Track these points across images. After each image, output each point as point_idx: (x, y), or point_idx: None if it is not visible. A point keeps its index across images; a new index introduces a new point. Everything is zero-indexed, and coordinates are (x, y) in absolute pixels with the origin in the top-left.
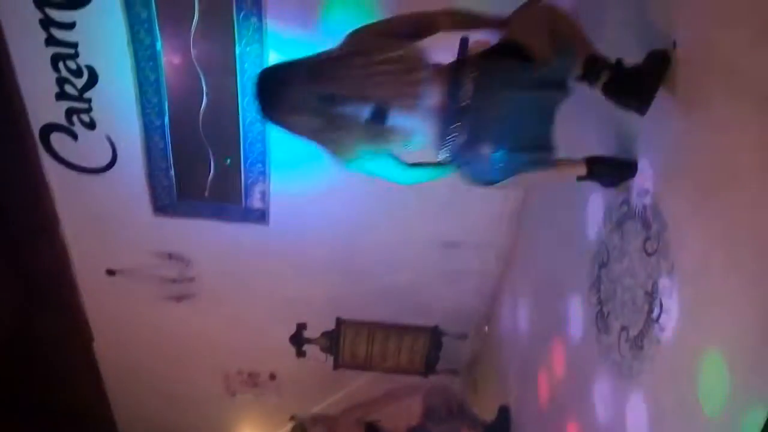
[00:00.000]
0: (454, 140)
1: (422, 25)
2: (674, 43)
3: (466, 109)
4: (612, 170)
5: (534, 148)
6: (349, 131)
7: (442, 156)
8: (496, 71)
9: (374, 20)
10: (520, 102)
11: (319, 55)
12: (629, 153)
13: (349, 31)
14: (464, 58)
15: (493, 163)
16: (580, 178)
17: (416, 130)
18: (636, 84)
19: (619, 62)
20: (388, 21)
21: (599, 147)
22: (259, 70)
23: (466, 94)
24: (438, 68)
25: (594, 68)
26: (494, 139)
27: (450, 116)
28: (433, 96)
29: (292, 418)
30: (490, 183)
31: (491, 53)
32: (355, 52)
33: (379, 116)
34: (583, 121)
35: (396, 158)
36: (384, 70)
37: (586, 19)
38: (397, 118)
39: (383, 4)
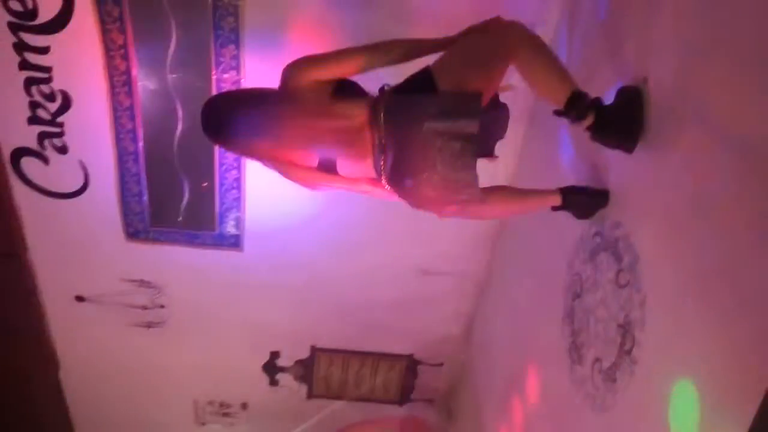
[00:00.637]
0: (385, 174)
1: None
2: (645, 80)
3: (383, 146)
4: (586, 200)
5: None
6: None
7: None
8: (401, 106)
9: (308, 57)
10: (432, 139)
11: (261, 99)
12: (601, 183)
13: (289, 67)
14: (380, 95)
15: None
16: (554, 209)
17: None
18: (619, 123)
19: (598, 100)
20: (323, 59)
21: (570, 178)
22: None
23: (380, 133)
24: (368, 102)
25: (578, 106)
26: (415, 174)
27: (377, 153)
28: (364, 136)
29: None
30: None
31: (407, 84)
32: (293, 107)
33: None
34: (553, 152)
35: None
36: (321, 131)
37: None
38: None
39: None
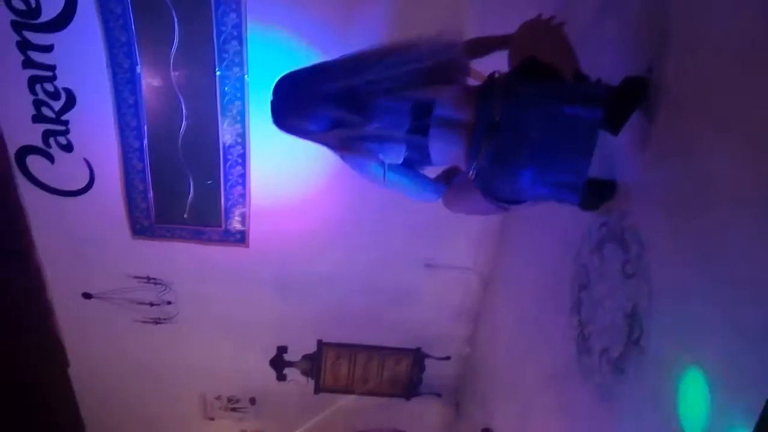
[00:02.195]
0: (482, 158)
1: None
2: (650, 70)
3: (494, 126)
4: (592, 191)
5: (563, 176)
6: (381, 138)
7: (471, 173)
8: (524, 89)
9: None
10: (551, 124)
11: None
12: (608, 175)
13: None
14: (493, 78)
15: (517, 185)
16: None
17: (446, 144)
18: (612, 106)
19: (599, 82)
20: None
21: None
22: (278, 78)
23: (495, 111)
24: (467, 89)
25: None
26: (521, 160)
27: (478, 133)
28: (464, 112)
29: None
30: (510, 203)
31: (517, 72)
32: (390, 50)
33: (420, 120)
34: None
35: (421, 174)
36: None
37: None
38: (433, 131)
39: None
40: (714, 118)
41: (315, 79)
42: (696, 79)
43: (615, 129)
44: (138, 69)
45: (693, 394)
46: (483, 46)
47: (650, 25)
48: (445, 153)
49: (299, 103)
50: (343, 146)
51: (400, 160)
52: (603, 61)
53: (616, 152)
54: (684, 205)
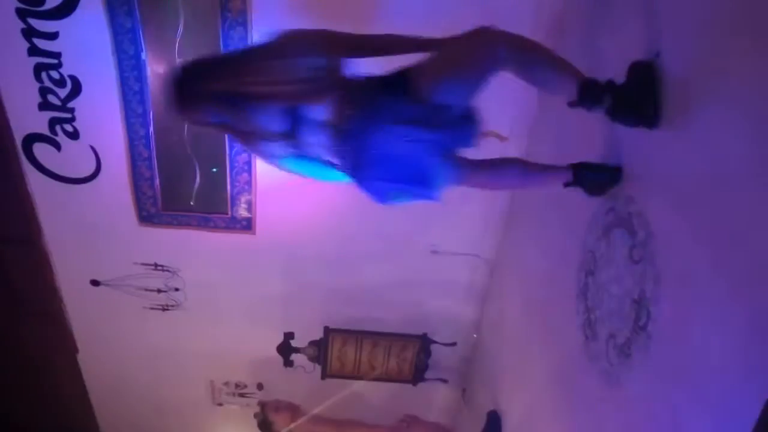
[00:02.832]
0: (343, 158)
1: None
2: (657, 53)
3: (346, 132)
4: (597, 176)
5: (416, 185)
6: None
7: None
8: (374, 100)
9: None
10: (399, 136)
11: (243, 51)
12: (614, 160)
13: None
14: (357, 82)
15: (378, 187)
16: (566, 185)
17: (316, 142)
18: (637, 101)
19: (611, 83)
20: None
21: (583, 154)
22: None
23: (345, 119)
24: (345, 83)
25: (591, 93)
26: (374, 166)
27: (336, 135)
28: (327, 112)
29: (256, 415)
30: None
31: (383, 80)
32: (277, 53)
33: (291, 124)
34: (565, 129)
35: (317, 159)
36: (296, 78)
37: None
38: (303, 130)
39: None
40: (723, 99)
41: (202, 74)
42: (704, 59)
43: (649, 121)
44: (143, 56)
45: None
46: (399, 46)
47: (653, 7)
48: (318, 151)
49: (187, 97)
50: (239, 139)
51: (283, 158)
52: (608, 51)
53: (622, 136)
54: (693, 189)
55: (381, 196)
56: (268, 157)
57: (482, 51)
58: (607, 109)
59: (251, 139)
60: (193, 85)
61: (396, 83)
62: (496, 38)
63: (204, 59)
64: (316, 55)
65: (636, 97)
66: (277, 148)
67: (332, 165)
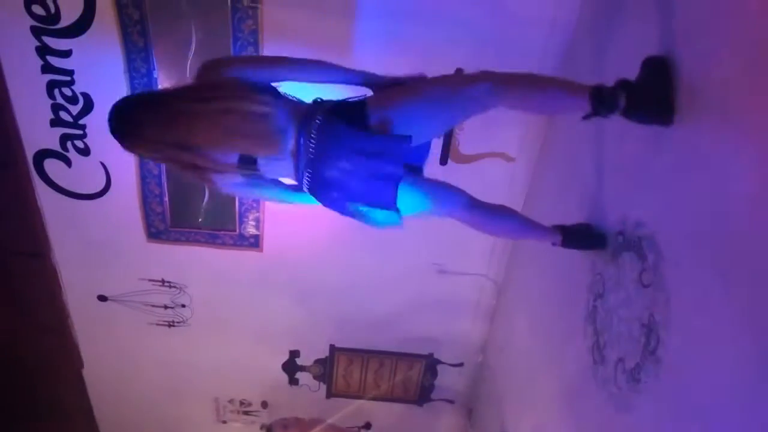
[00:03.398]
0: (307, 184)
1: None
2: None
3: (311, 160)
4: (583, 244)
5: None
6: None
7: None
8: (334, 128)
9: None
10: (357, 166)
11: (178, 94)
12: (625, 177)
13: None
14: (318, 105)
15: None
16: (554, 244)
17: (278, 170)
18: (652, 96)
19: (625, 81)
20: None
21: (592, 177)
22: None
23: (310, 147)
24: (296, 107)
25: (604, 99)
26: (340, 192)
27: (300, 162)
28: (288, 139)
29: (263, 426)
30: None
31: (345, 107)
32: (213, 97)
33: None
34: (574, 151)
35: (279, 184)
36: (240, 126)
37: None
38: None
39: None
40: (734, 117)
41: (140, 114)
42: (717, 71)
43: (663, 118)
44: (155, 74)
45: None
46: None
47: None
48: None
49: (127, 135)
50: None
51: (240, 186)
52: (621, 51)
53: (631, 158)
54: (703, 213)
55: (343, 211)
56: (223, 187)
57: (467, 83)
58: (622, 111)
59: (202, 172)
60: (133, 126)
61: (354, 111)
62: (483, 75)
63: (142, 98)
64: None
65: (650, 93)
66: (232, 177)
67: (291, 187)
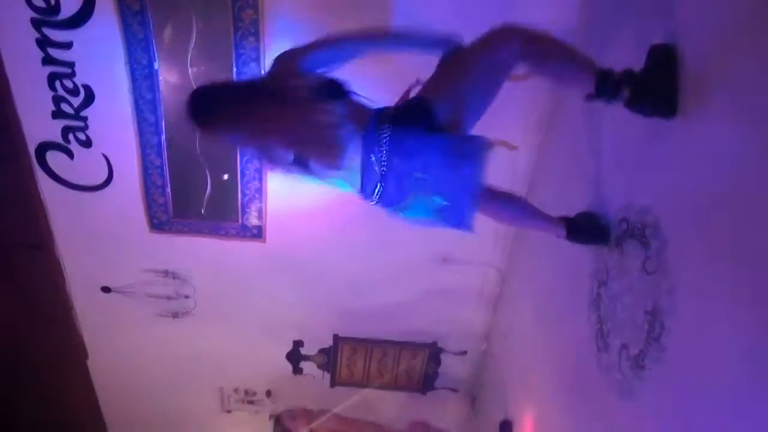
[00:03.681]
0: (380, 193)
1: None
2: (675, 37)
3: (383, 174)
4: (588, 239)
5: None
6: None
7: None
8: (404, 134)
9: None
10: (436, 166)
11: (260, 87)
12: (631, 167)
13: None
14: (382, 114)
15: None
16: (558, 236)
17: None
18: (656, 90)
19: (630, 72)
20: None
21: (592, 167)
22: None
23: (382, 159)
24: (361, 115)
25: (609, 84)
26: (416, 201)
27: (367, 177)
28: (350, 154)
29: (271, 416)
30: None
31: (406, 111)
32: (290, 103)
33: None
34: (576, 143)
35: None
36: (306, 134)
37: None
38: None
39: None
40: (740, 105)
41: (220, 101)
42: (722, 60)
43: (667, 110)
44: (156, 65)
45: None
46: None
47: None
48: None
49: (209, 123)
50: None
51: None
52: (627, 40)
53: (633, 145)
54: (706, 199)
55: (420, 221)
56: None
57: (499, 45)
58: (625, 102)
59: (278, 160)
60: (213, 110)
61: (414, 112)
62: (512, 33)
63: (220, 85)
64: (330, 97)
65: (656, 86)
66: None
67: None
